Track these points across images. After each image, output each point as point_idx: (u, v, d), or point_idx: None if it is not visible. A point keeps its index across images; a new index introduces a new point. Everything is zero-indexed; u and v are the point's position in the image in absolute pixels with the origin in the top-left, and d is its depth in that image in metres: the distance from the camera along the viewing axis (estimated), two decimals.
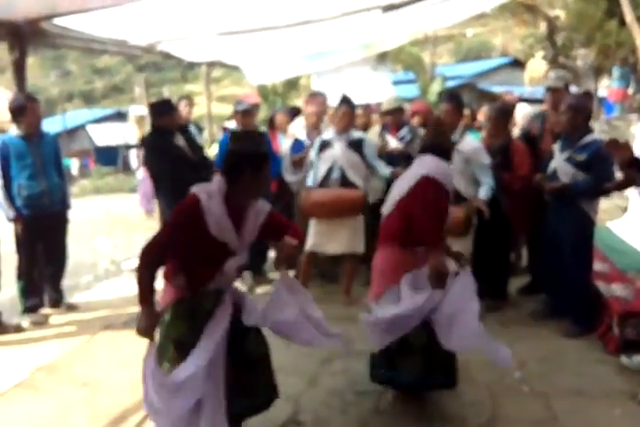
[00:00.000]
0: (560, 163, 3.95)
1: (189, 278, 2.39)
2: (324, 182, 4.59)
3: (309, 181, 4.73)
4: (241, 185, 2.34)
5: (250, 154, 2.33)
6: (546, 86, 4.68)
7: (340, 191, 4.55)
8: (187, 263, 2.39)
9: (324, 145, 4.61)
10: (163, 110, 4.47)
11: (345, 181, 4.55)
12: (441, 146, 3.15)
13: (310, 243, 4.62)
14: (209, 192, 2.30)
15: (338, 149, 4.54)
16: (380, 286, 3.03)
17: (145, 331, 2.25)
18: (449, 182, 3.06)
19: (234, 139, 2.55)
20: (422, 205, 2.95)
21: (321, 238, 4.60)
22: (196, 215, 2.26)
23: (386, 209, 3.17)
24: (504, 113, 4.45)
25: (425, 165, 3.07)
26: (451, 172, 3.14)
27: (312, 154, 4.72)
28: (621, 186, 3.83)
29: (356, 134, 4.66)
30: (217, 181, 2.36)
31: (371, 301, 3.10)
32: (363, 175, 4.62)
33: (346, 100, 4.65)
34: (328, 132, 4.71)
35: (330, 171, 4.56)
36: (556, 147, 4.07)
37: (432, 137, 3.24)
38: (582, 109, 3.89)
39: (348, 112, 4.58)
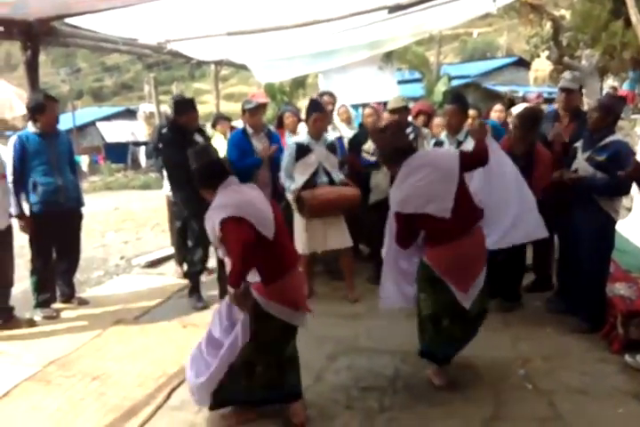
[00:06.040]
0: (581, 163, 3.91)
1: None
2: (309, 186, 4.60)
3: (291, 186, 4.66)
4: None
5: None
6: (560, 87, 4.58)
7: (337, 189, 4.65)
8: None
9: (303, 150, 4.61)
10: (184, 108, 4.49)
11: (332, 183, 4.66)
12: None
13: (308, 244, 4.64)
14: None
15: (320, 154, 4.61)
16: None
17: None
18: None
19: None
20: None
21: (317, 238, 4.65)
22: None
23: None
24: (531, 119, 4.29)
25: None
26: None
27: (287, 159, 4.67)
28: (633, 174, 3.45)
29: (330, 137, 4.78)
30: None
31: None
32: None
33: (317, 107, 4.70)
34: (303, 137, 4.72)
35: (315, 174, 4.62)
36: (579, 146, 4.00)
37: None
38: (612, 110, 3.81)
39: (321, 117, 4.64)
